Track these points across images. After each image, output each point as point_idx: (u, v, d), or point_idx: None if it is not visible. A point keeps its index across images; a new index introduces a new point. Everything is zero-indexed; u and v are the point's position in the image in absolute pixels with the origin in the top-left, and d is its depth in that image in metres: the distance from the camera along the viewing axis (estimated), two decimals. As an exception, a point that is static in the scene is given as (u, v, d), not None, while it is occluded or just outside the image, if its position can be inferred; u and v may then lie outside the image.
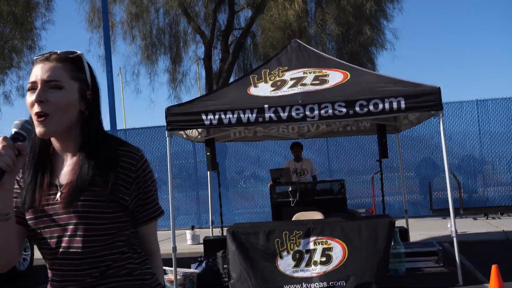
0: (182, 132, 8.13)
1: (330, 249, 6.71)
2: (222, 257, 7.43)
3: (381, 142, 8.90)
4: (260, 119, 6.87)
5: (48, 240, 1.76)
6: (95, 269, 1.75)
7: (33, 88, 1.76)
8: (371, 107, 6.72)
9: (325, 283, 6.62)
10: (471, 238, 9.86)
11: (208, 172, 9.92)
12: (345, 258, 6.66)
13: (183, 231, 13.34)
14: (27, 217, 1.78)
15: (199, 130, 8.68)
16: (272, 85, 7.42)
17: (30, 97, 1.75)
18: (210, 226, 9.86)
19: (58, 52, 1.80)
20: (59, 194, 1.76)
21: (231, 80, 18.46)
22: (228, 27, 18.22)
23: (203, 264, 7.52)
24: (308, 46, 8.38)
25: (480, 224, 11.35)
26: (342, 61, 7.95)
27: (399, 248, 7.47)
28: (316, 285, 6.64)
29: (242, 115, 6.86)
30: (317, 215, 7.88)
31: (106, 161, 1.77)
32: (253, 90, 7.42)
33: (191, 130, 8.35)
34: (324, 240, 6.74)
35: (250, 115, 6.85)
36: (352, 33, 15.27)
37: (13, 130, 1.67)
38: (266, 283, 6.71)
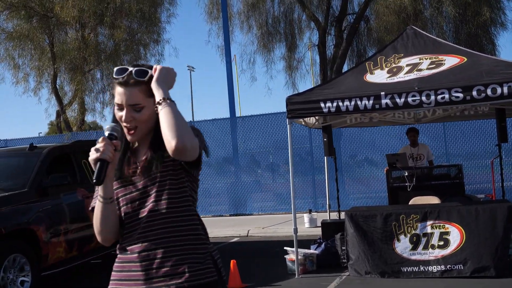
0: (301, 119, 8.52)
1: (447, 233, 6.85)
2: (340, 239, 7.77)
3: (500, 126, 8.78)
4: (377, 106, 7.10)
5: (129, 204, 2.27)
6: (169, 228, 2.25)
7: (119, 109, 2.22)
8: (489, 92, 6.72)
9: (442, 266, 6.78)
10: None
11: (325, 157, 10.24)
12: (463, 242, 6.77)
13: (300, 215, 13.81)
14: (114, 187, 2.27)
15: (317, 117, 9.03)
16: (388, 72, 7.61)
17: (118, 113, 2.22)
18: (328, 210, 10.21)
19: (134, 74, 2.17)
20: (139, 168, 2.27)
21: (345, 66, 18.62)
22: (341, 13, 18.34)
23: (322, 246, 7.91)
24: (424, 32, 8.44)
25: None
26: (459, 46, 7.96)
27: (520, 233, 7.42)
28: (434, 268, 6.82)
29: (359, 102, 7.12)
30: (433, 200, 7.99)
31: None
32: (369, 77, 7.65)
33: (309, 118, 8.72)
34: (441, 224, 6.88)
35: (367, 102, 7.10)
36: (470, 14, 14.87)
37: (107, 132, 2.18)
38: (383, 264, 6.98)
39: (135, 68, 2.19)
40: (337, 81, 7.93)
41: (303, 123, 9.05)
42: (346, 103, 7.18)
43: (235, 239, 11.49)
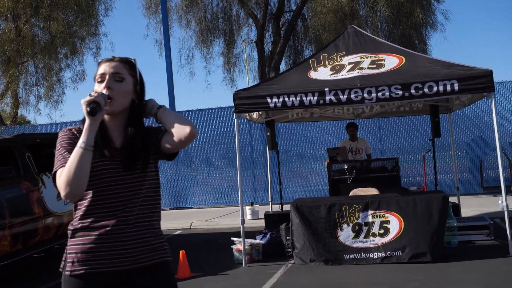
0: (246, 114, 8.73)
1: (387, 222, 7.24)
2: (285, 229, 8.04)
3: (434, 122, 9.32)
4: (321, 102, 7.40)
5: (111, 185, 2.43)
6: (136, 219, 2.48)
7: (101, 80, 2.41)
8: (426, 90, 7.16)
9: (382, 253, 7.17)
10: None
11: (268, 151, 10.51)
12: (402, 230, 7.18)
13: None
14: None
15: (260, 112, 9.27)
16: (331, 69, 7.93)
17: (99, 86, 2.41)
18: (270, 202, 10.50)
19: (118, 57, 2.48)
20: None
21: (282, 62, 19.01)
22: (279, 10, 18.72)
23: (268, 236, 8.16)
24: (364, 32, 8.84)
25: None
26: (397, 46, 8.38)
27: (452, 222, 7.93)
28: (374, 254, 7.19)
29: (304, 98, 7.40)
30: (372, 191, 8.39)
31: (147, 133, 2.47)
32: (313, 74, 7.95)
33: (254, 112, 8.94)
34: (382, 213, 7.27)
35: (311, 98, 7.39)
36: (403, 14, 15.54)
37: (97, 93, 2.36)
38: (327, 252, 7.30)
39: None
40: (282, 77, 8.19)
41: (248, 117, 9.26)
42: (292, 98, 7.44)
43: (179, 232, 11.60)
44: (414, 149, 13.78)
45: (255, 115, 9.40)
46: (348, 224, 7.32)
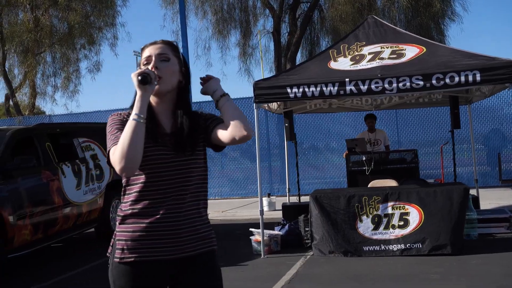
0: (265, 104, 8.71)
1: (407, 213, 7.20)
2: (303, 221, 8.03)
3: (453, 113, 9.21)
4: (341, 92, 7.35)
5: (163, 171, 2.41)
6: (186, 207, 2.48)
7: (147, 62, 2.42)
8: (447, 80, 7.08)
9: (402, 245, 7.13)
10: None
11: (285, 142, 10.49)
12: (421, 222, 7.13)
13: (257, 199, 14.07)
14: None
15: (279, 102, 9.24)
16: (351, 59, 7.87)
17: (146, 67, 2.40)
18: (287, 194, 10.49)
19: (161, 39, 2.48)
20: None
21: (298, 53, 18.92)
22: (296, 1, 18.59)
23: (286, 227, 8.16)
24: (384, 22, 8.76)
25: (550, 195, 11.53)
26: (418, 36, 8.30)
27: (472, 214, 7.88)
28: (394, 246, 7.16)
29: (324, 88, 7.36)
30: (391, 183, 8.34)
31: (196, 118, 2.46)
32: (333, 64, 7.90)
33: (272, 103, 8.91)
34: (402, 205, 7.23)
35: (332, 88, 7.34)
36: (422, 5, 15.38)
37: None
38: (346, 244, 7.28)
39: None
40: (302, 68, 8.14)
41: (266, 108, 9.24)
42: (312, 88, 7.40)
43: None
44: (431, 141, 13.66)
45: (274, 105, 9.37)
46: (367, 216, 7.28)
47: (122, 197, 2.43)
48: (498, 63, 7.10)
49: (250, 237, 7.97)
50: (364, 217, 7.29)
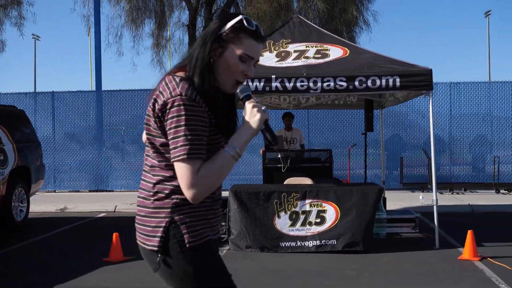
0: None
1: (324, 211, 7.36)
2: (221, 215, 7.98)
3: (367, 116, 9.56)
4: (267, 88, 7.39)
5: None
6: None
7: (245, 61, 2.18)
8: (369, 83, 7.32)
9: (317, 242, 7.28)
10: (441, 209, 10.56)
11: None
12: (337, 220, 7.32)
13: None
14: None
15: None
16: (277, 55, 7.93)
17: (243, 66, 2.19)
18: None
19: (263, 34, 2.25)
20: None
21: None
22: (212, -5, 18.50)
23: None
24: (309, 22, 8.90)
25: (447, 198, 12.22)
26: (341, 38, 8.50)
27: (382, 214, 8.18)
28: (310, 243, 7.30)
29: (250, 83, 7.35)
30: (306, 181, 8.50)
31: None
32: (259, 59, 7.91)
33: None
34: (319, 202, 7.38)
35: (258, 84, 7.36)
36: (337, 10, 15.80)
37: (246, 93, 2.21)
38: (264, 239, 7.33)
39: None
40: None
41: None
42: (238, 83, 7.36)
43: (102, 214, 11.25)
44: (342, 143, 14.05)
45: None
46: (285, 212, 7.37)
47: (170, 182, 2.18)
48: (416, 70, 7.43)
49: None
50: (282, 214, 7.37)
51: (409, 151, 14.65)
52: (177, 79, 2.13)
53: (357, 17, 16.37)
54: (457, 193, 13.14)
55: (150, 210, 2.20)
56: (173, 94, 2.08)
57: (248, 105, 2.12)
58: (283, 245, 7.30)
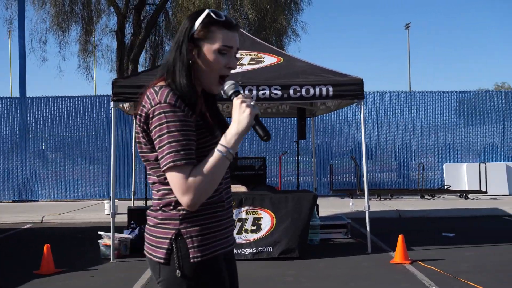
0: (120, 104, 8.41)
1: (260, 218, 7.41)
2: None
3: (300, 125, 9.72)
4: (202, 97, 7.37)
5: None
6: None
7: (225, 52, 2.09)
8: (303, 92, 7.44)
9: (254, 249, 7.31)
10: (370, 215, 10.81)
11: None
12: (273, 227, 7.38)
13: (96, 202, 13.61)
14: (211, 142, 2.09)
15: (131, 103, 8.98)
16: (211, 62, 7.93)
17: (224, 59, 2.10)
18: (133, 197, 10.26)
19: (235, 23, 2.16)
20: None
21: (142, 55, 18.63)
22: (141, 1, 18.29)
23: (136, 230, 7.94)
24: (242, 31, 8.96)
25: (375, 204, 12.58)
26: (275, 48, 8.61)
27: (315, 220, 8.33)
28: (246, 250, 7.31)
29: (185, 92, 7.31)
30: (241, 188, 8.51)
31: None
32: (194, 66, 7.89)
33: (126, 103, 8.64)
34: (255, 210, 7.42)
35: (193, 92, 7.32)
36: (268, 20, 15.98)
37: (235, 88, 2.10)
38: (200, 247, 7.27)
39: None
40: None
41: (121, 106, 8.92)
42: (173, 90, 7.30)
43: (29, 225, 10.84)
44: (272, 151, 14.20)
45: (127, 106, 9.09)
46: (222, 220, 7.34)
47: (168, 195, 2.08)
48: (348, 80, 7.62)
49: (99, 241, 7.63)
50: (218, 221, 7.34)
51: (337, 158, 15.00)
52: (157, 88, 2.05)
53: (287, 27, 16.63)
54: (385, 199, 13.56)
55: (158, 221, 2.12)
56: (153, 103, 2.01)
57: (236, 101, 2.02)
58: (220, 253, 7.28)
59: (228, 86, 2.11)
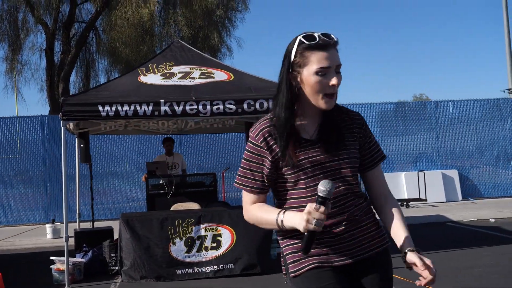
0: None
1: (219, 235, 7.29)
2: (109, 246, 7.62)
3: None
4: (156, 113, 7.20)
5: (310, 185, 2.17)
6: (351, 207, 2.23)
7: (324, 73, 2.12)
8: (257, 106, 7.42)
9: (215, 267, 7.18)
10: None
11: (77, 164, 9.88)
12: (233, 243, 7.28)
13: (35, 226, 13.03)
14: (286, 173, 2.19)
15: (75, 122, 8.68)
16: (161, 75, 7.81)
17: (325, 79, 2.13)
18: (77, 219, 9.84)
19: (335, 39, 2.17)
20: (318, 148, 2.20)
21: (73, 73, 18.13)
22: (69, 19, 17.84)
23: (89, 254, 7.63)
24: (190, 47, 8.88)
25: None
26: (224, 63, 8.57)
27: (273, 234, 8.28)
28: (207, 268, 7.17)
29: (138, 108, 7.12)
30: (194, 206, 8.39)
31: (343, 121, 2.27)
32: (143, 78, 7.74)
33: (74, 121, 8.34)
34: (214, 226, 7.30)
35: (146, 108, 7.15)
36: (201, 36, 15.96)
37: (323, 194, 2.03)
38: (159, 268, 7.07)
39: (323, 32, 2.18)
40: (112, 84, 7.82)
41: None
42: (126, 107, 7.11)
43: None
44: (214, 167, 14.06)
45: (70, 125, 8.77)
46: (181, 239, 7.19)
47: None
48: (301, 93, 7.67)
49: (51, 266, 7.27)
50: (177, 240, 7.18)
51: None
52: (262, 118, 2.28)
53: (220, 43, 16.67)
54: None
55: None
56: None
57: (307, 208, 2.03)
58: (180, 273, 7.11)
59: (322, 187, 2.05)
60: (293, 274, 2.21)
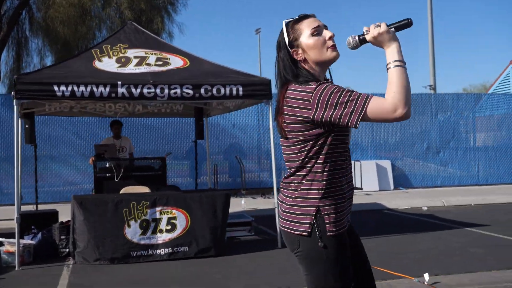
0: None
1: (174, 218, 7.34)
2: (59, 228, 7.51)
3: (198, 125, 9.77)
4: (113, 95, 7.14)
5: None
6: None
7: (318, 32, 2.43)
8: (214, 92, 7.50)
9: (169, 249, 7.24)
10: (261, 213, 11.17)
11: (19, 145, 9.58)
12: (188, 226, 7.36)
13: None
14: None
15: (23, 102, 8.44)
16: (117, 61, 7.70)
17: (321, 36, 2.43)
18: (19, 202, 9.54)
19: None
20: None
21: (4, 52, 17.43)
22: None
23: (39, 236, 7.49)
24: (145, 30, 8.80)
25: (262, 202, 12.91)
26: (180, 48, 8.55)
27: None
28: (161, 251, 7.22)
29: (95, 89, 7.05)
30: (144, 189, 8.35)
31: None
32: (98, 65, 7.62)
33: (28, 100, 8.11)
34: (169, 209, 7.34)
35: (103, 90, 7.07)
36: (144, 20, 15.75)
37: (358, 35, 2.40)
38: (113, 250, 7.05)
39: None
40: (65, 65, 7.65)
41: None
42: (82, 88, 7.02)
43: None
44: (159, 151, 13.96)
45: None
46: (136, 221, 7.19)
47: (312, 170, 2.41)
48: (257, 80, 7.82)
49: (0, 248, 7.09)
50: (132, 222, 7.17)
51: (221, 158, 15.11)
52: (300, 86, 2.41)
53: (163, 27, 16.51)
54: (268, 197, 13.95)
55: (297, 199, 2.43)
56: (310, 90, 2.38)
57: (367, 36, 2.34)
58: (134, 255, 7.12)
59: (351, 40, 2.41)
60: (334, 232, 2.40)
